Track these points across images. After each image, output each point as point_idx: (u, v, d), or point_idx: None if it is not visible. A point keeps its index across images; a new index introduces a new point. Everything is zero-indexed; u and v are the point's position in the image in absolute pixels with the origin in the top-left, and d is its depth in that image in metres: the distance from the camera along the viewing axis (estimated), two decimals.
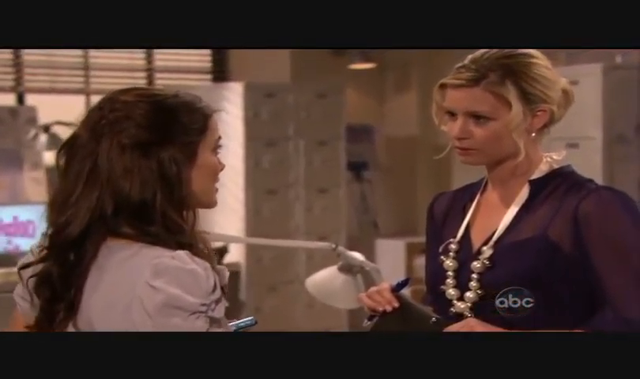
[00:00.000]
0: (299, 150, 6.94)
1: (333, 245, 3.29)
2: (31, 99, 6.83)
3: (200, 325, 1.92)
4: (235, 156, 6.61)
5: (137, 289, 1.92)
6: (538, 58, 2.33)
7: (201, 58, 7.51)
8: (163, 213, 1.98)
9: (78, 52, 6.96)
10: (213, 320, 1.94)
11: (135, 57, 7.27)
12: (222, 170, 2.10)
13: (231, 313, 2.03)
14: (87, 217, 1.97)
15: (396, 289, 2.36)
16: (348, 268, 3.24)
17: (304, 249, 6.72)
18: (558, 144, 4.56)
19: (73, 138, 2.03)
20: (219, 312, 1.95)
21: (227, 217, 6.58)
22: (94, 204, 1.97)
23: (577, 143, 5.44)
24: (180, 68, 7.44)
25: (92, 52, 6.99)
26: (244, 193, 6.72)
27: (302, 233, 6.90)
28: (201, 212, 2.07)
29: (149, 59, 7.30)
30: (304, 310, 6.79)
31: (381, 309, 2.34)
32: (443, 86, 2.34)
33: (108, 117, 2.00)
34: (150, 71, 7.31)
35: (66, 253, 1.99)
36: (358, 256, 3.27)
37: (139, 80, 7.18)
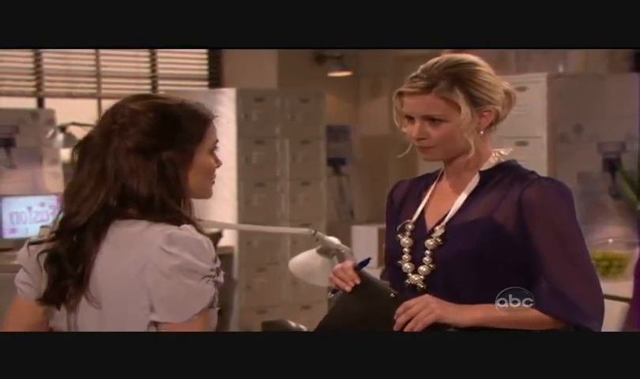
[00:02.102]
0: (285, 148, 6.93)
1: (313, 231, 3.29)
2: (49, 103, 6.80)
3: (209, 288, 1.95)
4: (229, 153, 6.61)
5: (150, 255, 1.94)
6: (482, 65, 2.33)
7: (198, 66, 7.51)
8: (164, 204, 2.00)
9: (91, 62, 6.96)
10: (218, 284, 1.98)
11: (140, 65, 7.27)
12: (219, 166, 2.11)
13: (225, 291, 2.06)
14: (93, 210, 1.99)
15: (358, 267, 2.34)
16: (326, 251, 3.23)
17: (289, 234, 6.70)
18: (510, 141, 4.63)
19: (87, 139, 2.05)
20: (221, 279, 1.99)
21: (221, 207, 6.59)
22: (101, 198, 2.00)
23: (526, 141, 5.45)
24: (180, 75, 7.42)
25: (103, 62, 6.99)
26: (236, 185, 6.72)
27: (287, 220, 6.89)
28: (200, 202, 2.10)
29: (153, 67, 7.30)
30: (288, 287, 6.80)
31: (345, 286, 2.32)
32: (401, 94, 2.33)
33: (118, 122, 2.02)
34: (154, 78, 7.31)
35: (72, 237, 2.01)
36: (334, 240, 3.26)
37: (144, 86, 7.18)
